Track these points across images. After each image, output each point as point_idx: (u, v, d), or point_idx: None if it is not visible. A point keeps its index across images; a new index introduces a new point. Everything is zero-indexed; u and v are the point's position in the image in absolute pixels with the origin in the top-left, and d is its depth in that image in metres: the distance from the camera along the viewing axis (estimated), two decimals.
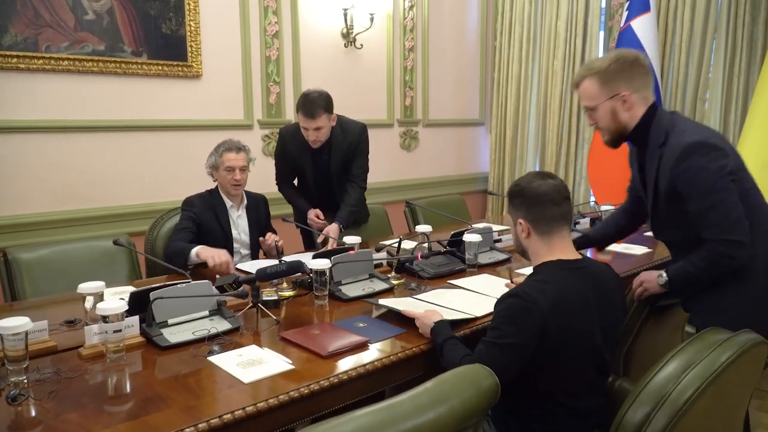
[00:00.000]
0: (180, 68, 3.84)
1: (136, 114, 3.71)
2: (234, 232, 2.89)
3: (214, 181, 2.89)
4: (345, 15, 4.54)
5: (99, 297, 1.85)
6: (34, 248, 2.51)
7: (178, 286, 1.87)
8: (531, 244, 1.74)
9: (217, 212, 2.85)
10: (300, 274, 2.21)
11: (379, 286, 2.29)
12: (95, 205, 3.58)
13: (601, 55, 5.08)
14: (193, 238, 2.71)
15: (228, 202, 2.88)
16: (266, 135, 4.31)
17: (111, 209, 3.63)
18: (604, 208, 3.44)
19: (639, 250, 2.95)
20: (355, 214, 3.16)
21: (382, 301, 2.03)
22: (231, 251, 2.79)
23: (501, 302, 1.63)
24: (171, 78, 3.81)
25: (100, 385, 1.56)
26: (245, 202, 2.94)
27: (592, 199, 4.80)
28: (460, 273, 2.47)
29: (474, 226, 3.01)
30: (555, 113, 5.13)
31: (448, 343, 1.70)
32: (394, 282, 2.34)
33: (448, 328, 1.77)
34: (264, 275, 2.01)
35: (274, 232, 3.06)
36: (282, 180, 3.28)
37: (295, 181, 3.33)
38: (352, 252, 2.32)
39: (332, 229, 2.96)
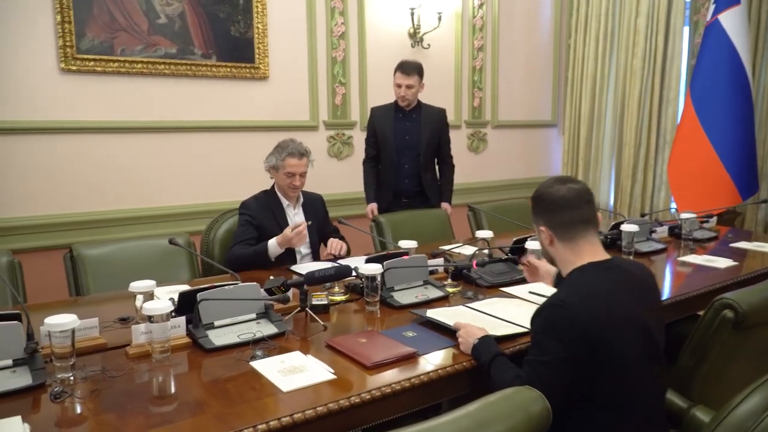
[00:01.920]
0: (248, 70, 3.89)
1: (205, 115, 3.78)
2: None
3: (271, 178, 2.89)
4: (412, 14, 4.47)
5: (149, 296, 1.85)
6: (99, 245, 2.58)
7: (226, 287, 1.85)
8: (557, 252, 1.66)
9: (274, 212, 2.85)
10: (354, 277, 2.16)
11: (434, 293, 2.21)
12: (161, 204, 3.66)
13: (685, 52, 4.77)
14: (254, 244, 2.73)
15: (284, 202, 2.88)
16: (331, 136, 4.30)
17: (176, 208, 3.70)
18: (684, 216, 3.19)
19: (723, 263, 2.68)
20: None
21: (430, 313, 1.94)
22: (292, 251, 2.78)
23: (537, 316, 1.52)
24: (239, 80, 3.86)
25: (142, 386, 1.55)
26: (301, 200, 2.94)
27: (673, 206, 4.50)
28: (521, 282, 2.34)
29: None
30: (633, 114, 4.85)
31: (497, 362, 1.60)
32: (450, 290, 2.26)
33: (494, 344, 1.66)
34: (312, 279, 1.97)
35: (336, 231, 3.02)
36: (366, 156, 3.63)
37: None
38: (405, 257, 2.23)
39: (448, 207, 3.55)
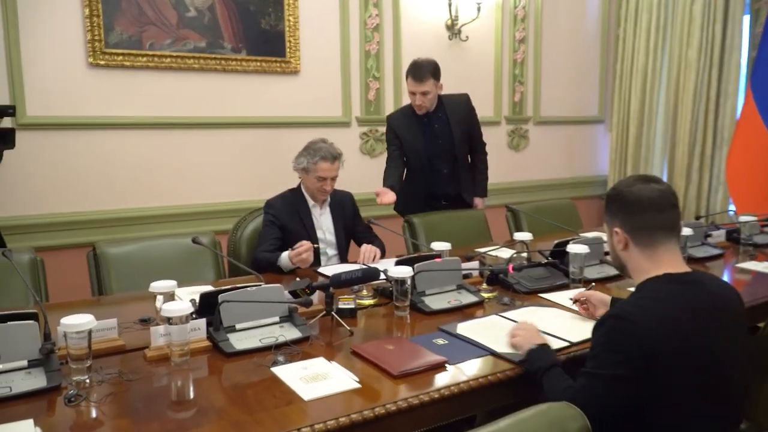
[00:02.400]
0: (278, 64, 3.89)
1: (234, 111, 3.80)
2: (318, 232, 2.87)
3: (299, 177, 2.88)
4: (449, 5, 4.41)
5: (169, 296, 1.85)
6: (122, 243, 2.61)
7: (248, 289, 1.84)
8: (630, 258, 1.56)
9: (299, 212, 2.84)
10: (383, 280, 2.14)
11: (467, 299, 2.16)
12: (188, 202, 3.70)
13: (745, 43, 4.59)
14: (278, 246, 2.73)
15: (310, 202, 2.88)
16: (364, 133, 4.28)
17: (203, 206, 3.73)
18: (743, 218, 3.06)
19: None
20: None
21: (462, 328, 1.89)
22: (317, 253, 2.77)
23: (599, 326, 1.44)
24: (269, 74, 3.87)
25: (159, 391, 1.54)
26: (328, 199, 2.92)
27: (731, 208, 4.34)
28: (562, 287, 2.27)
29: (583, 235, 2.78)
30: (688, 109, 4.69)
31: (552, 372, 1.54)
32: (485, 295, 2.21)
33: (553, 354, 1.62)
34: (338, 281, 1.95)
35: (368, 231, 3.00)
36: (390, 162, 3.37)
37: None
38: (438, 260, 2.19)
39: (479, 203, 3.43)
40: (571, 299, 2.06)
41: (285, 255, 2.57)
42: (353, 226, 2.97)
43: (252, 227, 2.94)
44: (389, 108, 4.32)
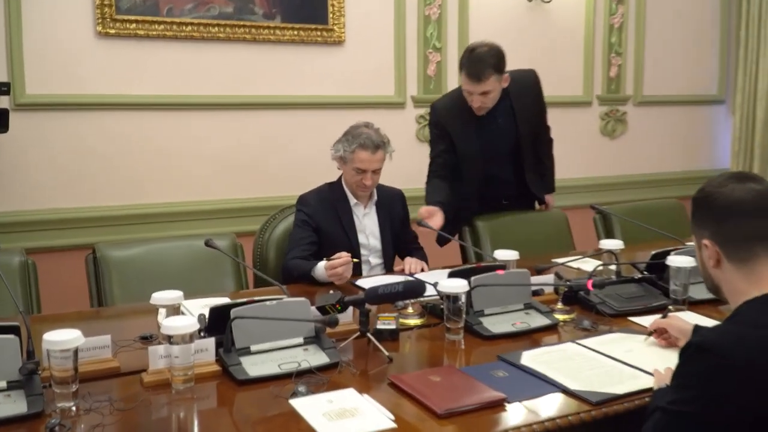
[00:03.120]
0: (319, 33, 3.92)
1: (265, 89, 3.85)
2: (360, 236, 2.87)
3: (338, 168, 2.89)
4: None
5: (173, 310, 1.87)
6: (128, 245, 2.67)
7: (267, 303, 1.84)
8: (724, 277, 1.50)
9: (338, 211, 2.85)
10: (432, 296, 2.14)
11: (537, 321, 2.13)
12: (206, 197, 3.76)
13: None
14: (313, 251, 2.75)
15: (352, 199, 2.88)
16: (421, 116, 4.27)
17: (226, 203, 3.79)
18: None
19: None
20: None
21: (527, 358, 1.85)
22: (360, 262, 2.79)
23: (685, 353, 1.39)
24: (308, 45, 3.91)
25: (156, 424, 1.56)
26: (374, 197, 2.92)
27: None
28: (659, 310, 2.21)
29: (690, 244, 2.66)
30: None
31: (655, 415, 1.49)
32: (560, 317, 2.18)
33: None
34: (374, 296, 1.95)
35: (414, 240, 3.00)
36: (433, 173, 3.23)
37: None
38: (501, 272, 2.16)
39: (550, 202, 3.41)
40: (648, 330, 2.00)
41: (321, 265, 2.58)
42: (402, 234, 2.96)
43: (283, 228, 2.97)
44: (452, 84, 4.28)
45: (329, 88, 3.98)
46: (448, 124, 3.17)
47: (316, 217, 2.80)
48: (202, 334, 1.83)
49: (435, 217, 2.86)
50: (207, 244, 2.33)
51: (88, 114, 3.52)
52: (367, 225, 2.89)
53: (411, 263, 2.78)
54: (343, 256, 2.51)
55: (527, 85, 3.21)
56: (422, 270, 2.74)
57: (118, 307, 2.48)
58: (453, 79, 4.27)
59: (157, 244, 2.71)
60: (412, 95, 4.23)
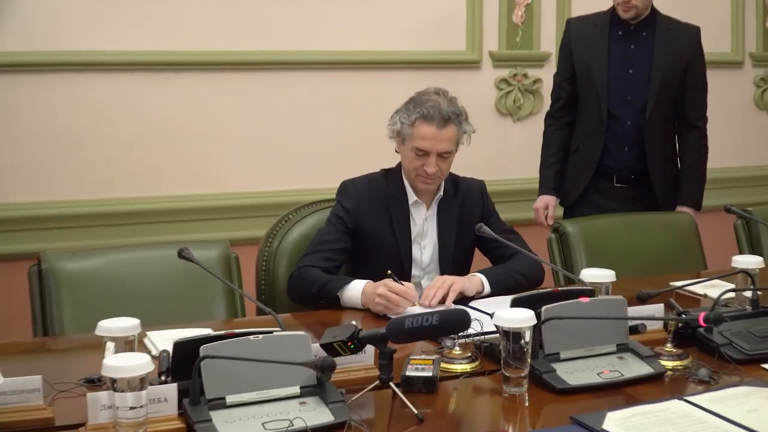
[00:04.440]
0: None
1: (293, 43, 3.90)
2: (414, 249, 2.89)
3: (396, 151, 2.91)
4: None
5: (126, 345, 1.90)
6: (84, 254, 2.72)
7: (251, 338, 1.84)
8: None
9: (389, 208, 2.88)
10: (483, 334, 2.14)
11: (634, 369, 2.11)
12: (191, 191, 3.81)
13: None
14: (340, 263, 2.80)
15: (411, 195, 2.90)
16: (503, 79, 4.30)
17: (219, 198, 3.84)
18: None
19: None
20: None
21: (613, 421, 1.82)
22: (401, 270, 2.82)
23: None
24: None
25: None
26: (440, 193, 2.93)
27: None
28: None
29: None
30: None
31: None
32: (668, 363, 2.16)
33: None
34: (399, 331, 1.93)
35: (510, 235, 2.95)
36: (553, 106, 3.78)
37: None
38: (585, 299, 2.12)
39: (689, 213, 3.54)
40: None
41: (357, 285, 2.61)
42: (474, 240, 2.96)
43: (298, 233, 3.00)
44: (548, 37, 4.32)
45: (378, 42, 4.03)
46: (578, 43, 3.66)
47: (358, 215, 2.84)
48: (163, 377, 1.85)
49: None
50: (181, 254, 2.36)
51: (30, 77, 3.59)
52: (428, 233, 2.92)
53: (434, 287, 2.66)
54: (409, 290, 2.54)
55: (685, 31, 3.65)
56: (447, 296, 2.64)
57: (68, 337, 2.51)
58: (549, 30, 4.32)
59: (125, 254, 2.75)
60: (491, 51, 4.27)
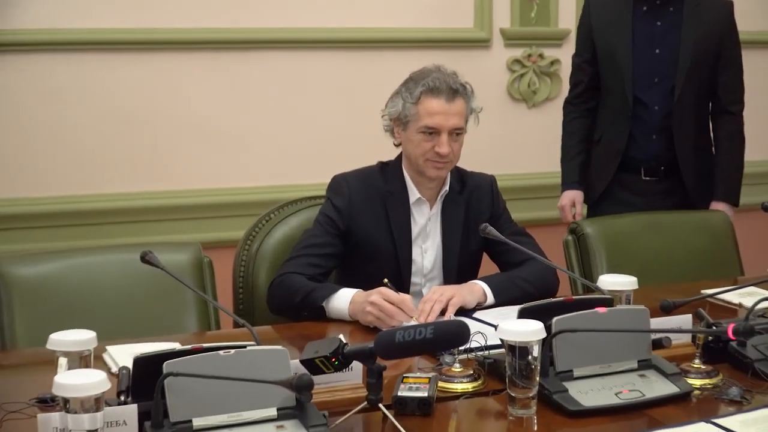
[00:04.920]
0: None
1: (263, 18, 3.91)
2: (414, 253, 2.89)
3: (396, 145, 2.91)
4: None
5: (81, 361, 1.89)
6: (39, 258, 2.72)
7: (221, 353, 1.83)
8: None
9: (388, 209, 2.87)
10: (484, 348, 2.17)
11: (657, 388, 2.11)
12: (159, 187, 3.82)
13: None
14: (327, 270, 2.80)
15: (413, 193, 2.89)
16: (517, 60, 4.30)
17: (192, 194, 3.85)
18: None
19: None
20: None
21: None
22: (407, 292, 2.79)
23: None
24: None
25: None
26: (445, 188, 2.91)
27: None
28: None
29: None
30: None
31: None
32: (695, 382, 2.16)
33: None
34: (389, 346, 1.91)
35: (519, 233, 2.96)
36: (572, 92, 3.83)
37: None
38: (602, 310, 2.11)
39: (724, 209, 3.58)
40: None
41: (346, 294, 2.61)
42: (481, 244, 2.95)
43: (281, 234, 3.01)
44: (566, 12, 4.36)
45: (368, 17, 4.05)
46: (599, 19, 3.69)
47: (350, 215, 2.83)
48: (122, 398, 1.84)
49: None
50: (144, 258, 2.36)
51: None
52: (430, 235, 2.92)
53: (430, 301, 2.62)
54: (405, 301, 2.51)
55: (714, 4, 3.67)
56: (446, 310, 2.62)
57: (20, 351, 2.52)
58: (567, 3, 4.33)
59: (84, 258, 2.75)
60: (502, 28, 4.28)
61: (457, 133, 2.77)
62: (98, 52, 3.73)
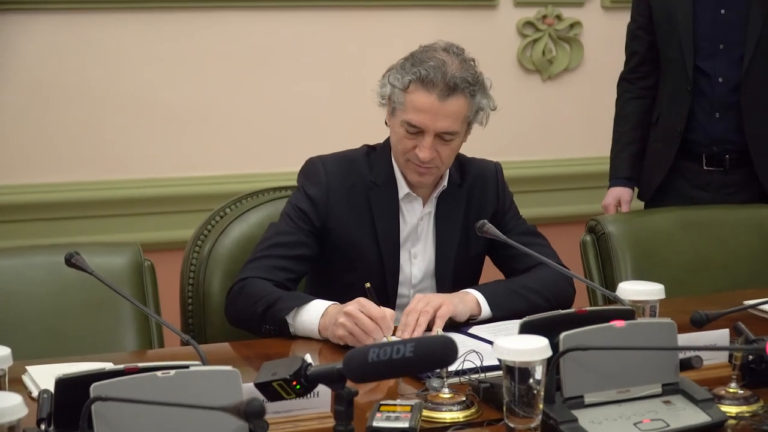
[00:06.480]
0: None
1: None
2: (402, 259, 2.92)
3: (386, 124, 2.92)
4: None
5: None
6: None
7: (158, 375, 1.86)
8: None
9: (371, 201, 2.91)
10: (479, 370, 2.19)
11: (685, 417, 2.12)
12: (87, 178, 3.86)
13: None
14: (298, 276, 2.83)
15: (402, 186, 2.91)
16: (529, 22, 4.33)
17: (133, 185, 3.88)
18: None
19: None
20: None
21: None
22: (393, 305, 2.82)
23: None
24: None
25: None
26: (443, 184, 2.94)
27: None
28: None
29: None
30: None
31: None
32: (731, 409, 2.18)
33: None
34: (360, 367, 1.91)
35: (529, 233, 3.01)
36: (627, 67, 3.91)
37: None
38: (619, 324, 2.13)
39: None
40: None
41: (317, 307, 2.61)
42: (496, 244, 2.95)
43: (239, 233, 3.04)
44: None
45: None
46: None
47: (327, 209, 2.86)
48: (42, 426, 1.87)
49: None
50: (69, 261, 2.38)
51: None
52: (423, 238, 2.95)
53: (414, 312, 2.62)
54: (387, 316, 2.49)
55: None
56: (433, 322, 2.61)
57: None
58: None
59: (1, 261, 2.77)
60: None
61: (446, 137, 2.75)
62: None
